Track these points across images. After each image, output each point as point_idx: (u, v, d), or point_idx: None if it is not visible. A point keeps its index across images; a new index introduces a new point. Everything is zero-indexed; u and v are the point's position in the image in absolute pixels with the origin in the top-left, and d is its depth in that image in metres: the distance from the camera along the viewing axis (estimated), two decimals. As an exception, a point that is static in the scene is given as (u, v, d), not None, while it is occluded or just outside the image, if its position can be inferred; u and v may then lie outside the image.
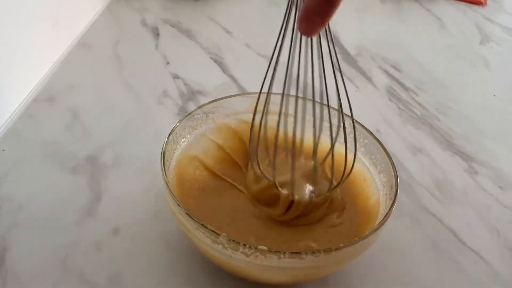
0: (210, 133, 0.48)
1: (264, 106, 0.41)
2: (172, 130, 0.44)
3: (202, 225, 0.36)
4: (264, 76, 0.41)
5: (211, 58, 0.72)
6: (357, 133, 0.46)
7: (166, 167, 0.41)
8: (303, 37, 0.38)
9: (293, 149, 0.41)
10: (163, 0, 0.85)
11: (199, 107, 0.47)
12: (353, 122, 0.43)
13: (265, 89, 0.42)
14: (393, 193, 0.41)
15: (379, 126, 0.61)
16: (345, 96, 0.41)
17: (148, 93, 0.63)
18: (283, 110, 0.41)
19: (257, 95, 0.43)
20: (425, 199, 0.52)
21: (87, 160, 0.51)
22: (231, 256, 0.36)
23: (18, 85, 0.58)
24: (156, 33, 0.76)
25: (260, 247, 0.35)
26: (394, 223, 0.39)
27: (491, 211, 0.52)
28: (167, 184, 0.39)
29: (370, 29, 0.87)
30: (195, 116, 0.47)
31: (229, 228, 0.42)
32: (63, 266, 0.41)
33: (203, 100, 0.62)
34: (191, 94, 0.63)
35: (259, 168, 0.42)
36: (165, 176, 0.39)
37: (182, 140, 0.46)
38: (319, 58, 0.39)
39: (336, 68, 0.39)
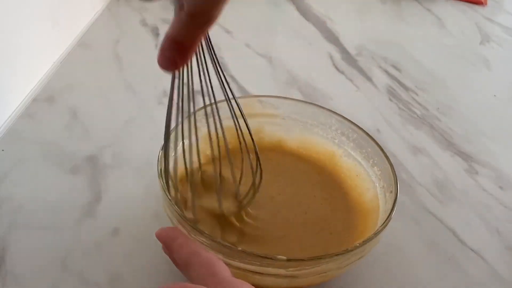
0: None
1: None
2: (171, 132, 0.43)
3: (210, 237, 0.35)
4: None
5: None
6: (346, 129, 0.47)
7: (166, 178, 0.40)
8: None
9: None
10: (163, 0, 0.85)
11: (200, 108, 0.46)
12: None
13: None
14: (392, 186, 0.41)
15: (379, 126, 0.61)
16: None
17: (148, 93, 0.63)
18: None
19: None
20: (425, 199, 0.52)
21: (87, 160, 0.51)
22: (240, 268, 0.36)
23: (18, 85, 0.58)
24: (156, 33, 0.76)
25: (280, 257, 0.34)
26: (394, 223, 0.39)
27: (491, 211, 0.52)
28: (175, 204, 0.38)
29: (370, 29, 0.87)
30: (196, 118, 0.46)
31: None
32: (63, 266, 0.41)
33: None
34: (191, 94, 0.63)
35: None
36: (167, 193, 0.39)
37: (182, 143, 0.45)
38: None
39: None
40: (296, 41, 0.81)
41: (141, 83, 0.64)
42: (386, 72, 0.74)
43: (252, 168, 0.42)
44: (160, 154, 0.40)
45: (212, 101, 0.40)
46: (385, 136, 0.60)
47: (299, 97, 0.65)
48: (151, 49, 0.72)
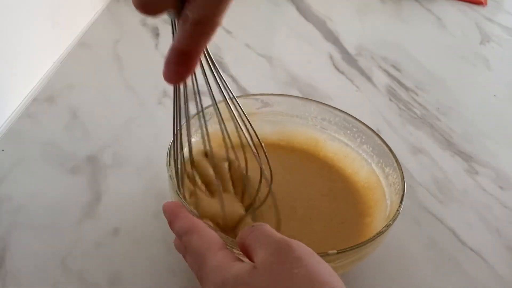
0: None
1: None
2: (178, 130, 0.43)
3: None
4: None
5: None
6: (326, 114, 0.48)
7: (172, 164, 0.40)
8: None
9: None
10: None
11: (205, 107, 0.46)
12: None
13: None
14: (391, 160, 0.42)
15: (379, 126, 0.61)
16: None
17: (148, 93, 0.63)
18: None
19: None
20: (425, 199, 0.52)
21: (87, 160, 0.51)
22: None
23: (18, 85, 0.58)
24: (156, 33, 0.76)
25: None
26: (394, 223, 0.39)
27: (491, 211, 0.52)
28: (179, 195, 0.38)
29: (370, 29, 0.87)
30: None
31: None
32: (63, 266, 0.41)
33: (203, 100, 0.62)
34: (191, 94, 0.63)
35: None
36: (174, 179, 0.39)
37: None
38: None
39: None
40: (296, 41, 0.81)
41: (141, 83, 0.64)
42: (386, 72, 0.74)
43: (260, 168, 0.41)
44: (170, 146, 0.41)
45: (208, 102, 0.40)
46: (385, 136, 0.59)
47: (299, 97, 0.65)
48: (151, 49, 0.72)
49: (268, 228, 0.30)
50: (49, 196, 0.47)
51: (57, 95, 0.60)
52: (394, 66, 0.75)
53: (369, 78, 0.72)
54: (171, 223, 0.34)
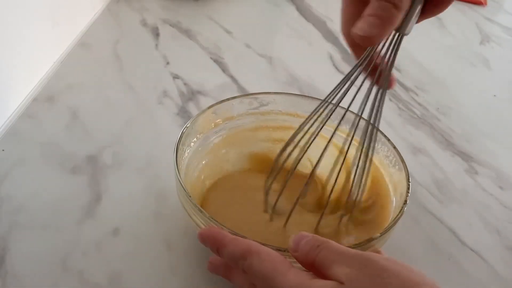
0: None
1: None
2: (185, 129, 0.43)
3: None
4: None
5: (211, 58, 0.72)
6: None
7: (179, 164, 0.40)
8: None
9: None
10: (163, 0, 0.85)
11: (209, 107, 0.46)
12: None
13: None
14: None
15: (379, 126, 0.61)
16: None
17: (148, 93, 0.63)
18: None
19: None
20: (425, 199, 0.52)
21: (87, 160, 0.51)
22: None
23: (18, 85, 0.58)
24: (156, 33, 0.76)
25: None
26: (396, 224, 0.39)
27: (491, 211, 0.52)
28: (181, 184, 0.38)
29: (370, 29, 0.87)
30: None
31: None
32: (63, 266, 0.41)
33: (203, 100, 0.62)
34: (191, 94, 0.63)
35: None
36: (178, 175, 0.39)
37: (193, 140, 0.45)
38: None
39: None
40: (296, 41, 0.81)
41: (141, 83, 0.64)
42: (386, 72, 0.74)
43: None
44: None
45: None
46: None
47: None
48: (151, 49, 0.72)
49: (336, 244, 0.30)
50: (49, 196, 0.47)
51: (57, 95, 0.60)
52: (394, 66, 0.75)
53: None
54: (219, 251, 0.33)
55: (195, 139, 0.45)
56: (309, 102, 0.48)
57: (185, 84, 0.65)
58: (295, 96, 0.50)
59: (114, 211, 0.46)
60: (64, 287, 0.40)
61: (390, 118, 0.64)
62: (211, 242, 0.33)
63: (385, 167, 0.45)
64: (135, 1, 0.83)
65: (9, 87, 0.56)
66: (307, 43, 0.80)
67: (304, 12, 0.89)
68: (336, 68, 0.73)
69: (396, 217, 0.38)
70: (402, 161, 0.43)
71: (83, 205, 0.47)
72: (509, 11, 1.00)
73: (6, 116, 0.55)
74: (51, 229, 0.44)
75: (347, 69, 0.73)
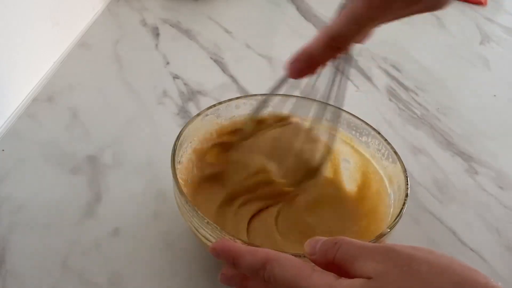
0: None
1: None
2: (183, 130, 0.43)
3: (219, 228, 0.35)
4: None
5: (211, 58, 0.72)
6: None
7: (176, 165, 0.40)
8: None
9: None
10: (163, 0, 0.85)
11: (212, 106, 0.46)
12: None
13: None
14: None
15: (379, 126, 0.61)
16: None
17: (148, 93, 0.63)
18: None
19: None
20: (425, 199, 0.52)
21: (87, 160, 0.51)
22: None
23: (18, 85, 0.58)
24: (156, 33, 0.76)
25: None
26: (396, 225, 0.39)
27: (491, 211, 0.52)
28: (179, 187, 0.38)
29: (370, 29, 0.87)
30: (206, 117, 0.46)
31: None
32: (63, 266, 0.41)
33: (203, 100, 0.62)
34: (191, 94, 0.63)
35: None
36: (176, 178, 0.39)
37: (190, 141, 0.45)
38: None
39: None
40: (296, 41, 0.80)
41: (141, 83, 0.64)
42: (386, 72, 0.74)
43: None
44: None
45: None
46: (385, 136, 0.60)
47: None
48: (151, 49, 0.72)
49: (354, 240, 0.29)
50: (49, 196, 0.47)
51: (57, 95, 0.60)
52: (394, 66, 0.75)
53: (369, 78, 0.72)
54: (236, 262, 0.32)
55: (191, 142, 0.45)
56: (309, 103, 0.48)
57: (185, 84, 0.65)
58: (296, 97, 0.49)
59: (114, 211, 0.46)
60: (64, 287, 0.40)
61: (390, 118, 0.64)
62: (225, 255, 0.32)
63: (378, 160, 0.45)
64: (135, 1, 0.83)
65: (9, 87, 0.56)
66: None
67: (304, 12, 0.89)
68: (336, 68, 0.73)
69: (400, 211, 0.38)
70: (395, 153, 0.43)
71: (83, 205, 0.47)
72: (509, 11, 1.00)
73: (6, 116, 0.55)
74: (51, 229, 0.44)
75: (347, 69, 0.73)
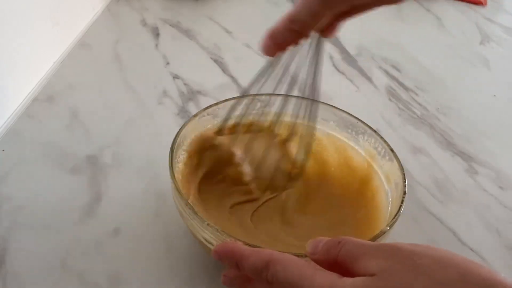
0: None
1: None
2: (180, 130, 0.43)
3: (217, 229, 0.35)
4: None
5: (211, 58, 0.72)
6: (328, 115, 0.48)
7: (174, 166, 0.40)
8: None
9: None
10: (163, 0, 0.85)
11: (209, 106, 0.46)
12: None
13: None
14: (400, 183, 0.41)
15: (379, 126, 0.61)
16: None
17: (148, 93, 0.63)
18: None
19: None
20: (425, 199, 0.52)
21: (87, 160, 0.51)
22: None
23: (18, 85, 0.58)
24: (156, 33, 0.76)
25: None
26: (393, 225, 0.39)
27: (491, 211, 0.52)
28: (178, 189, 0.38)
29: (370, 29, 0.87)
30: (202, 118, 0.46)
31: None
32: (63, 266, 0.41)
33: (203, 100, 0.62)
34: (191, 94, 0.63)
35: None
36: (174, 179, 0.39)
37: (188, 140, 0.45)
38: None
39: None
40: (296, 41, 0.81)
41: (141, 83, 0.64)
42: (386, 72, 0.74)
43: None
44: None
45: None
46: (385, 136, 0.59)
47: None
48: (151, 49, 0.72)
49: (356, 239, 0.30)
50: (49, 196, 0.47)
51: (57, 95, 0.60)
52: (394, 66, 0.75)
53: (369, 78, 0.72)
54: (240, 264, 0.32)
55: (189, 141, 0.45)
56: (297, 101, 0.48)
57: (185, 84, 0.65)
58: (296, 98, 0.50)
59: (114, 211, 0.46)
60: (64, 287, 0.40)
61: (390, 118, 0.64)
62: (229, 258, 0.32)
63: (374, 158, 0.45)
64: (135, 1, 0.83)
65: (9, 87, 0.56)
66: (307, 43, 0.80)
67: (304, 12, 0.89)
68: (336, 68, 0.73)
69: (399, 209, 0.38)
70: (392, 151, 0.43)
71: (83, 205, 0.47)
72: (509, 11, 1.00)
73: (6, 116, 0.55)
74: (51, 229, 0.44)
75: (347, 69, 0.73)
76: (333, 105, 0.48)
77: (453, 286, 0.25)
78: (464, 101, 0.70)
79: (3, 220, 0.44)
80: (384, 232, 0.36)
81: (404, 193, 0.39)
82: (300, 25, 0.36)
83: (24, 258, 0.41)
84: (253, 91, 0.44)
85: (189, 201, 0.40)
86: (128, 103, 0.61)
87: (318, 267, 0.29)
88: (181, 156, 0.44)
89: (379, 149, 0.45)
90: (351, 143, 0.47)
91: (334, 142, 0.48)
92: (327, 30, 0.40)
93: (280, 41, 0.38)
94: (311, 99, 0.44)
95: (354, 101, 0.67)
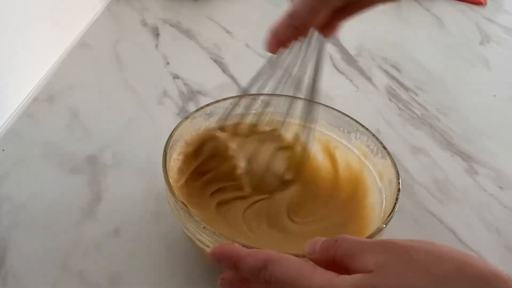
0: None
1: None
2: (174, 130, 0.43)
3: (214, 232, 0.35)
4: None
5: (211, 58, 0.72)
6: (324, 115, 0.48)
7: (167, 167, 0.40)
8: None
9: None
10: (163, 0, 0.85)
11: (201, 107, 0.46)
12: None
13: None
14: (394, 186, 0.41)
15: (379, 126, 0.61)
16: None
17: (148, 93, 0.63)
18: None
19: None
20: (425, 199, 0.52)
21: (87, 160, 0.51)
22: None
23: (18, 85, 0.58)
24: (156, 33, 0.76)
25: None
26: (393, 222, 0.39)
27: (491, 211, 0.52)
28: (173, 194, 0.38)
29: (370, 29, 0.87)
30: (196, 118, 0.46)
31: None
32: (63, 266, 0.41)
33: (203, 100, 0.62)
34: (191, 94, 0.63)
35: None
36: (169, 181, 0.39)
37: (184, 140, 0.45)
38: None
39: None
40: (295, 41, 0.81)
41: (141, 83, 0.64)
42: (386, 72, 0.74)
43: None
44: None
45: None
46: (385, 136, 0.60)
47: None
48: (151, 49, 0.72)
49: (353, 237, 0.30)
50: (49, 196, 0.47)
51: (57, 95, 0.60)
52: (394, 66, 0.75)
53: (369, 78, 0.72)
54: (237, 266, 0.32)
55: (184, 143, 0.45)
56: (297, 102, 0.48)
57: (185, 84, 0.65)
58: (296, 98, 0.50)
59: (114, 211, 0.46)
60: (64, 287, 0.40)
61: (390, 118, 0.64)
62: (227, 260, 0.32)
63: (367, 156, 0.45)
64: (135, 1, 0.83)
65: (9, 87, 0.56)
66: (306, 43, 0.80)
67: (304, 12, 0.89)
68: (336, 68, 0.73)
69: (394, 206, 0.38)
70: (385, 148, 0.43)
71: (83, 205, 0.47)
72: (509, 11, 1.00)
73: (6, 116, 0.55)
74: (51, 229, 0.44)
75: (347, 69, 0.73)
76: (323, 103, 0.47)
77: (451, 279, 0.25)
78: (464, 101, 0.70)
79: (3, 220, 0.44)
80: (381, 230, 0.36)
81: (398, 190, 0.39)
82: (299, 21, 0.37)
83: (24, 258, 0.41)
84: (252, 90, 0.44)
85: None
86: (128, 103, 0.61)
87: (316, 266, 0.29)
88: (181, 149, 0.44)
89: (372, 146, 0.45)
90: (343, 141, 0.47)
91: (326, 140, 0.48)
92: (327, 30, 0.40)
93: (281, 37, 0.38)
94: (309, 99, 0.44)
95: (354, 101, 0.67)
